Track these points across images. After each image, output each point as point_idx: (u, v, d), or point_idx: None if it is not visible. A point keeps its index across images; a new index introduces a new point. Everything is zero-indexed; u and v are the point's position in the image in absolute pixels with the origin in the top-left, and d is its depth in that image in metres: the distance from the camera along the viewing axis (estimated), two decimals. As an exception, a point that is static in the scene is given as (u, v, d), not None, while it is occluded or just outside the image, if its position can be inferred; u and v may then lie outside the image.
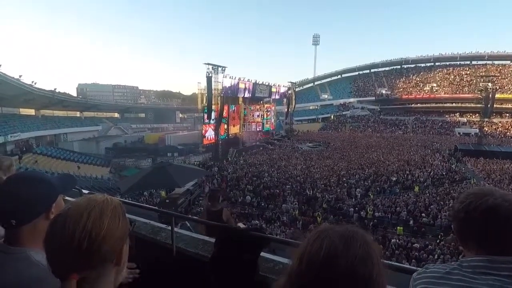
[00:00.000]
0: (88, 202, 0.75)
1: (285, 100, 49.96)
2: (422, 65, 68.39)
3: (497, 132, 45.24)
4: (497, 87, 43.30)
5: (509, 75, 56.67)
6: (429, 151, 31.92)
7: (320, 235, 0.64)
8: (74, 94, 60.76)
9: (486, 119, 39.93)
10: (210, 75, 29.23)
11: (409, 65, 69.26)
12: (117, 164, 34.35)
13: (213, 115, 31.13)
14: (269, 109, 47.13)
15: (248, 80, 39.18)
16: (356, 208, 15.92)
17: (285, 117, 51.72)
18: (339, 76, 73.28)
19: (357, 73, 72.74)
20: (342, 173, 22.05)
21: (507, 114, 49.80)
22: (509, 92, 51.44)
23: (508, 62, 60.03)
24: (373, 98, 62.56)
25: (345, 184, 19.63)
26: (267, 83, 44.37)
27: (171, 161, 30.45)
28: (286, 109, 49.62)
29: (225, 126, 35.61)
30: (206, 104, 30.62)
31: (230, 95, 34.82)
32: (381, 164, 25.10)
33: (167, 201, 5.45)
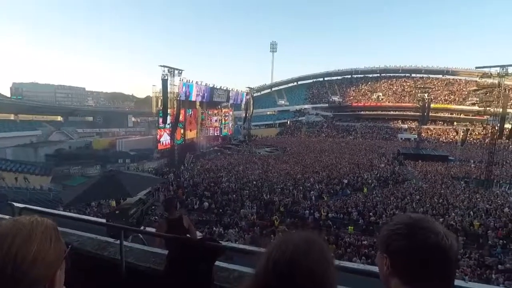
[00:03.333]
0: (14, 224, 0.69)
1: (243, 105, 50.30)
2: (370, 75, 73.87)
3: (432, 138, 50.44)
4: (432, 98, 48.33)
5: (441, 87, 63.67)
6: (376, 155, 34.39)
7: (286, 240, 0.73)
8: (8, 94, 54.17)
9: (423, 126, 44.24)
10: (166, 77, 28.31)
11: (359, 75, 74.29)
12: (59, 172, 31.38)
13: (168, 119, 30.12)
14: (227, 114, 47.07)
15: (206, 84, 38.75)
16: (311, 210, 16.49)
17: (243, 122, 52.00)
18: (295, 83, 75.92)
19: (312, 80, 76.00)
20: (298, 177, 22.74)
21: (441, 122, 55.94)
22: (442, 102, 57.74)
23: (441, 76, 67.54)
24: (327, 105, 65.93)
25: (301, 188, 20.26)
26: (225, 88, 44.31)
27: (123, 168, 28.80)
28: (244, 114, 49.93)
29: (182, 131, 34.69)
30: (161, 108, 29.53)
31: (187, 99, 34.08)
32: (334, 167, 26.40)
33: (116, 212, 5.11)
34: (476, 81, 57.47)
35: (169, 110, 29.29)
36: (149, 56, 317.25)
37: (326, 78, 75.50)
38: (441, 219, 14.88)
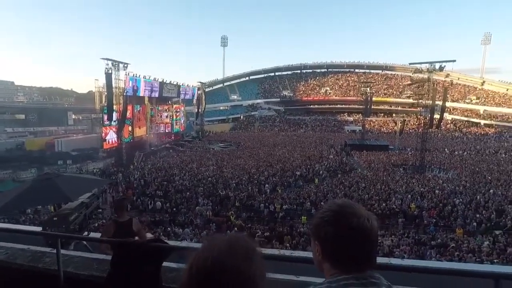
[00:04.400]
0: None
1: (195, 100, 49.13)
2: (318, 70, 77.14)
3: (375, 129, 54.68)
4: (373, 92, 52.24)
5: (381, 81, 69.14)
6: (325, 146, 36.22)
7: (209, 244, 0.73)
8: None
9: (367, 118, 47.69)
10: (110, 71, 26.38)
11: (308, 70, 77.14)
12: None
13: (114, 116, 28.21)
14: (178, 110, 45.62)
15: (155, 79, 37.02)
16: (267, 203, 16.81)
17: (195, 118, 50.87)
18: (247, 78, 76.26)
19: (263, 75, 76.99)
20: (253, 171, 23.00)
21: (381, 114, 60.88)
22: (382, 95, 62.76)
23: (380, 71, 73.29)
24: (278, 99, 67.54)
25: (256, 182, 20.53)
26: (175, 83, 42.80)
27: (63, 170, 26.33)
28: (196, 110, 48.83)
29: (130, 128, 32.83)
30: (106, 104, 27.52)
31: (135, 94, 32.24)
32: (287, 160, 27.20)
33: (54, 218, 4.60)
34: (410, 76, 63.59)
35: (114, 106, 27.44)
36: (91, 49, 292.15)
37: (277, 73, 77.08)
38: (384, 204, 16.25)
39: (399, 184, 20.24)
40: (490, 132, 50.24)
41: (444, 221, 14.65)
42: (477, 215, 14.75)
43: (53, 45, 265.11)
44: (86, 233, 4.97)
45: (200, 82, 50.35)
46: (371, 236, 0.85)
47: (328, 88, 69.27)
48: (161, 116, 41.14)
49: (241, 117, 63.37)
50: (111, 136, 29.26)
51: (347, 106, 63.17)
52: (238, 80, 75.41)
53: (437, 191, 18.33)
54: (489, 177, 21.53)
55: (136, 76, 32.21)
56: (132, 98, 32.64)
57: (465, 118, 56.50)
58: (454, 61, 30.11)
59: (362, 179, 21.47)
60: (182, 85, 45.20)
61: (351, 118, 60.55)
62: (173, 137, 43.23)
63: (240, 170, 23.53)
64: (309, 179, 22.11)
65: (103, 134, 29.08)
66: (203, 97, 48.78)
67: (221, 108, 66.45)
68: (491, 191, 18.10)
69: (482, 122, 54.82)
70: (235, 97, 68.96)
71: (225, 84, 74.35)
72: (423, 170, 24.61)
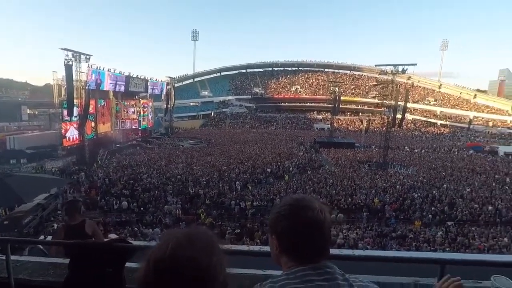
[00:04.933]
0: None
1: (163, 95, 47.70)
2: (289, 68, 78.28)
3: (342, 127, 56.64)
4: (342, 91, 54.05)
5: (349, 81, 71.71)
6: (295, 144, 36.92)
7: (167, 237, 0.71)
8: None
9: (335, 117, 49.27)
10: (70, 63, 24.76)
11: (279, 68, 78.02)
12: None
13: (75, 111, 26.58)
14: (146, 105, 44.02)
15: (120, 72, 35.41)
16: (237, 201, 16.78)
17: (164, 114, 49.42)
18: (218, 74, 75.49)
19: (235, 72, 76.64)
20: (223, 168, 22.84)
21: (349, 113, 63.27)
22: (349, 95, 65.11)
23: (348, 71, 75.95)
24: (250, 96, 67.65)
25: (227, 179, 20.42)
26: (142, 77, 41.24)
27: (16, 169, 24.37)
28: (165, 105, 47.45)
29: (93, 124, 31.18)
30: (65, 98, 25.84)
31: (98, 88, 30.60)
32: (257, 157, 27.34)
33: (5, 222, 4.19)
34: (376, 77, 66.67)
35: (75, 101, 25.86)
36: (50, 39, 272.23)
37: (248, 70, 77.10)
38: (349, 199, 16.91)
39: (364, 180, 21.15)
40: (445, 132, 54.13)
41: (404, 214, 15.56)
42: (433, 208, 15.86)
43: (4, 33, 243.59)
44: (42, 236, 4.64)
45: (169, 77, 48.92)
46: (325, 228, 0.89)
47: (298, 87, 70.55)
48: (127, 112, 39.47)
49: (212, 113, 62.71)
50: (72, 133, 27.56)
51: (316, 104, 64.83)
52: (209, 76, 74.42)
53: (398, 186, 19.42)
54: (443, 173, 23.20)
55: (99, 69, 30.57)
56: (95, 92, 30.95)
57: (424, 118, 60.34)
58: (415, 64, 32.21)
59: (330, 175, 22.17)
60: (150, 79, 43.67)
61: (320, 116, 62.23)
62: (140, 134, 41.71)
63: (210, 168, 23.27)
64: (279, 176, 22.40)
65: (63, 131, 27.27)
66: (173, 93, 47.52)
67: (191, 104, 65.23)
68: (445, 186, 19.55)
69: (439, 122, 58.91)
70: (206, 93, 68.01)
71: (196, 79, 73.06)
72: (386, 167, 25.92)
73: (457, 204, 16.29)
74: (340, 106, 50.70)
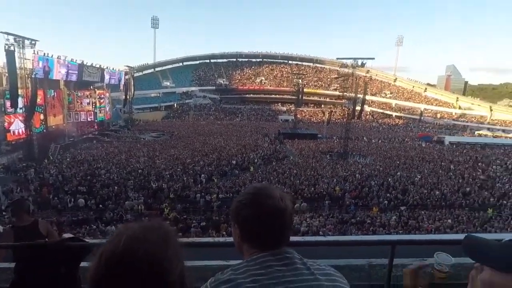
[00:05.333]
0: None
1: (122, 86, 45.20)
2: (254, 60, 78.10)
3: (306, 119, 58.12)
4: (305, 83, 55.32)
5: (312, 74, 73.48)
6: (260, 135, 37.19)
7: (120, 231, 0.69)
8: None
9: (298, 108, 50.37)
10: (12, 48, 22.40)
11: (243, 59, 77.49)
12: None
13: (21, 102, 24.24)
14: (102, 96, 41.35)
15: (73, 60, 32.84)
16: (202, 193, 16.62)
17: (123, 105, 46.91)
18: (181, 64, 73.21)
19: (198, 62, 74.86)
20: (188, 161, 22.39)
21: (312, 105, 64.98)
22: (312, 87, 66.81)
23: (311, 64, 77.73)
24: (214, 87, 66.61)
25: (191, 172, 20.06)
26: (98, 65, 38.66)
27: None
28: (124, 96, 45.02)
29: (42, 117, 28.70)
30: (8, 88, 23.40)
31: (47, 76, 28.13)
32: (222, 149, 27.16)
33: None
34: (337, 70, 69.09)
35: (20, 91, 23.56)
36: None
37: (212, 60, 75.74)
38: (312, 188, 17.52)
39: (326, 169, 22.00)
40: (399, 123, 57.96)
41: (362, 201, 16.51)
42: (388, 195, 17.02)
43: None
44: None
45: (128, 66, 46.37)
46: (285, 215, 0.91)
47: (263, 78, 70.84)
48: (81, 103, 36.80)
49: (175, 105, 60.73)
50: (17, 126, 25.14)
51: (281, 96, 65.69)
52: (171, 66, 71.89)
53: (357, 175, 20.49)
54: (398, 162, 24.89)
55: (47, 56, 28.05)
56: (44, 82, 28.42)
57: (381, 110, 63.98)
58: (373, 58, 33.58)
59: (294, 166, 22.73)
60: (107, 68, 41.10)
61: (284, 108, 63.19)
62: (96, 127, 39.16)
63: (174, 161, 22.68)
64: (244, 168, 22.49)
65: (6, 124, 24.73)
66: (132, 83, 45.20)
67: (153, 95, 62.62)
68: (399, 173, 21.01)
69: (394, 114, 62.84)
70: (168, 83, 65.68)
71: (157, 69, 70.25)
72: (346, 157, 27.16)
73: (409, 190, 17.63)
74: (304, 98, 51.93)
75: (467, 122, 57.00)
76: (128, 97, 44.44)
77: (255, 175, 20.48)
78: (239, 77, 71.73)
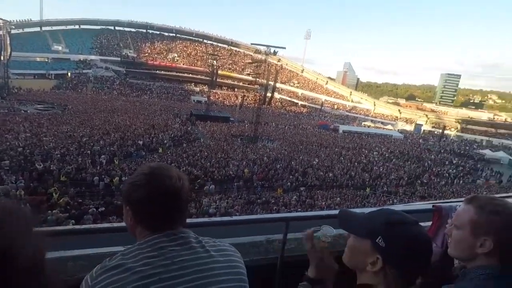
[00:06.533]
0: None
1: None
2: (166, 34, 72.93)
3: (219, 101, 58.03)
4: (219, 65, 54.80)
5: (227, 56, 73.20)
6: (171, 115, 35.53)
7: None
8: None
9: (212, 90, 49.80)
10: None
11: (154, 31, 71.57)
12: None
13: None
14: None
15: None
16: (102, 176, 15.04)
17: (-5, 68, 37.74)
18: (78, 27, 63.04)
19: (100, 27, 65.69)
20: (84, 140, 19.77)
21: (225, 87, 65.09)
22: (227, 70, 66.75)
23: (226, 46, 77.24)
24: (119, 59, 59.73)
25: (88, 152, 17.82)
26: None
27: None
28: (-4, 57, 36.17)
29: None
30: None
31: None
32: (128, 128, 24.91)
33: None
34: (251, 55, 70.62)
35: None
36: None
37: (117, 28, 67.60)
38: (223, 170, 17.85)
39: (236, 152, 22.65)
40: (304, 111, 63.64)
41: (268, 183, 17.74)
42: (291, 177, 18.73)
43: None
44: None
45: (2, 20, 37.17)
46: (182, 195, 0.89)
47: (176, 55, 67.05)
48: None
49: (69, 74, 52.08)
50: None
51: (194, 76, 63.65)
52: (64, 27, 61.10)
53: (265, 158, 21.81)
54: (300, 147, 27.50)
55: None
56: None
57: (289, 98, 68.87)
58: (284, 48, 35.67)
59: (205, 148, 22.64)
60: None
61: (197, 89, 61.58)
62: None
63: (66, 139, 19.71)
64: (152, 149, 21.23)
65: None
66: (8, 41, 36.64)
67: (38, 59, 52.26)
68: (301, 157, 23.28)
69: (300, 102, 68.56)
70: (60, 48, 55.79)
71: (44, 28, 58.64)
72: (256, 141, 28.46)
73: (308, 173, 19.77)
74: (218, 80, 51.49)
75: (356, 114, 66.64)
76: (2, 58, 35.90)
77: (164, 157, 19.60)
78: (149, 51, 66.10)
